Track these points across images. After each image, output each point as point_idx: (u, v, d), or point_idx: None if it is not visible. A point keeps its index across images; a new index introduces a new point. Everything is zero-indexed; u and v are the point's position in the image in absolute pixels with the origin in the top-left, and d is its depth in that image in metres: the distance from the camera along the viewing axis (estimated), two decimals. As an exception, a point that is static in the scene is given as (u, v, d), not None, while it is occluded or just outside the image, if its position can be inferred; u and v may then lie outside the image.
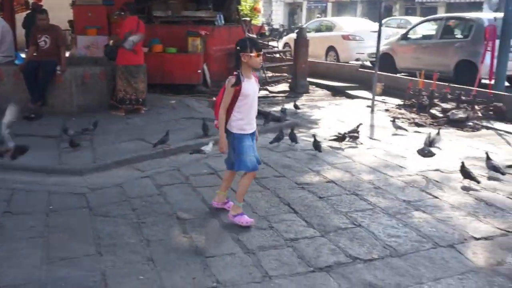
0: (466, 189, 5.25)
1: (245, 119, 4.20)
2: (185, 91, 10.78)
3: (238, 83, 4.05)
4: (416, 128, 8.14)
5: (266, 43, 13.60)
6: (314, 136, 6.66)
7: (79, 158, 6.11)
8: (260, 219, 4.37)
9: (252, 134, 4.30)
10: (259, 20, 17.03)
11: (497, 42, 9.89)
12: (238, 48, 4.09)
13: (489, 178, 5.60)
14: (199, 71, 10.99)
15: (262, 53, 4.23)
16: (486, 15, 12.26)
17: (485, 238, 4.10)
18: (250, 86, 4.16)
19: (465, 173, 5.37)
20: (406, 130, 7.81)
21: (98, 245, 3.90)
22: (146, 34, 9.04)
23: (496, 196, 5.04)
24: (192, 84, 11.06)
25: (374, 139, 7.37)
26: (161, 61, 10.48)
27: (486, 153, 5.88)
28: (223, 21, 12.19)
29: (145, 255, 3.73)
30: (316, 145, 6.43)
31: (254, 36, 12.87)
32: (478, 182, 5.32)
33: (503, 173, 5.57)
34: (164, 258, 3.69)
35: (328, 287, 3.34)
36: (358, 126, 7.28)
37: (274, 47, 14.14)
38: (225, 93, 4.13)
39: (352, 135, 7.04)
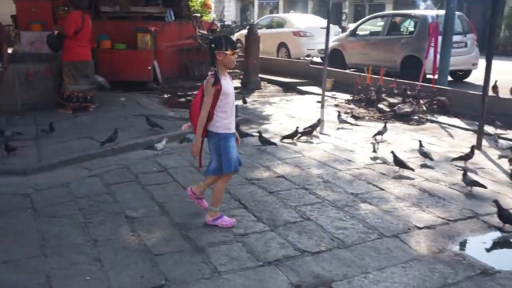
0: (400, 177, 5.49)
1: (229, 118, 4.08)
2: (135, 88, 10.62)
3: (217, 82, 3.91)
4: (364, 122, 8.34)
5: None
6: (259, 132, 6.69)
7: (24, 158, 5.92)
8: (210, 216, 4.37)
9: (234, 133, 4.22)
10: (210, 16, 16.89)
11: (440, 38, 10.23)
12: (213, 45, 3.97)
13: (422, 166, 5.92)
14: (150, 67, 10.85)
15: (237, 51, 4.13)
16: (430, 12, 12.66)
17: (428, 227, 4.26)
18: (228, 85, 4.07)
19: (399, 162, 5.62)
20: (351, 123, 7.99)
21: (43, 247, 3.80)
22: (94, 30, 8.84)
23: (438, 187, 5.24)
24: (143, 81, 10.91)
25: (324, 134, 7.49)
26: (110, 57, 10.28)
27: (420, 141, 6.27)
28: (173, 17, 12.07)
29: (92, 255, 3.67)
30: (264, 141, 6.47)
31: (205, 32, 12.79)
32: (413, 170, 5.57)
33: (431, 159, 5.96)
34: (112, 258, 3.63)
35: (276, 280, 3.39)
36: (318, 121, 7.47)
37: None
38: (205, 94, 3.95)
39: (305, 131, 7.13)
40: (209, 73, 4.01)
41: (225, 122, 4.07)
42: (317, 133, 7.37)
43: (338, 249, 3.84)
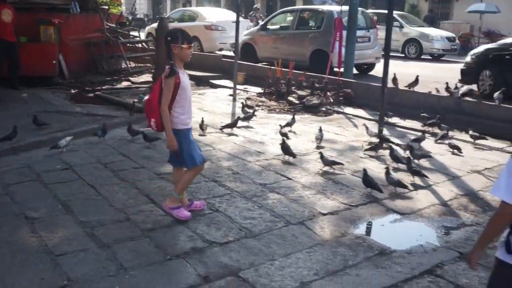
0: (286, 162, 5.81)
1: (186, 113, 4.05)
2: (39, 84, 10.09)
3: (174, 73, 3.85)
4: (275, 114, 8.52)
5: (127, 32, 13.19)
6: (142, 132, 6.39)
7: None
8: (117, 212, 4.29)
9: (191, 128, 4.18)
10: (119, 9, 16.38)
11: (344, 33, 10.66)
12: (168, 38, 3.92)
13: (318, 147, 6.41)
14: (54, 62, 10.36)
15: (192, 45, 4.05)
16: (335, 8, 13.13)
17: (331, 213, 4.45)
18: (186, 79, 4.02)
19: (284, 149, 5.94)
20: (255, 115, 8.07)
21: None
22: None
23: (342, 174, 5.48)
24: (48, 76, 10.40)
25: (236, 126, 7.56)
26: (9, 51, 9.66)
27: (320, 127, 6.76)
28: (78, 9, 11.59)
29: (-13, 260, 3.47)
30: (147, 139, 6.33)
31: (113, 25, 12.42)
32: (294, 156, 5.90)
33: (318, 143, 6.55)
34: (10, 261, 3.45)
35: (184, 273, 3.39)
36: (253, 112, 7.79)
37: (135, 36, 13.78)
38: (164, 87, 3.88)
39: (230, 124, 7.26)
40: (166, 66, 3.93)
41: (182, 117, 4.04)
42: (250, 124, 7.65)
43: (245, 239, 3.91)
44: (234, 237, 3.93)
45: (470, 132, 6.90)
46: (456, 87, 8.89)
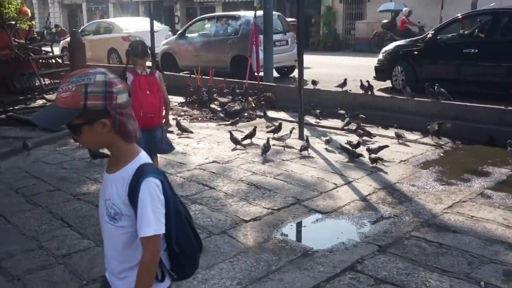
0: (209, 172, 5.67)
1: None
2: None
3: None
4: (196, 123, 8.43)
5: (38, 48, 12.60)
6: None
7: None
8: (29, 240, 4.05)
9: None
10: (29, 23, 15.53)
11: (261, 37, 10.77)
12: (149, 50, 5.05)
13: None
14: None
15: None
16: (251, 13, 13.22)
17: (254, 219, 4.43)
18: None
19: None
20: (191, 131, 7.93)
21: None
22: None
23: (265, 179, 5.50)
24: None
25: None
26: None
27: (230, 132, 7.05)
28: (-18, 26, 10.93)
29: None
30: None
31: (22, 41, 11.82)
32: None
33: (244, 146, 6.86)
34: None
35: (101, 297, 3.24)
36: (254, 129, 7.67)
37: (48, 52, 13.18)
38: (162, 84, 4.85)
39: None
40: (149, 70, 4.86)
41: None
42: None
43: (167, 255, 3.80)
44: (155, 254, 3.81)
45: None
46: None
